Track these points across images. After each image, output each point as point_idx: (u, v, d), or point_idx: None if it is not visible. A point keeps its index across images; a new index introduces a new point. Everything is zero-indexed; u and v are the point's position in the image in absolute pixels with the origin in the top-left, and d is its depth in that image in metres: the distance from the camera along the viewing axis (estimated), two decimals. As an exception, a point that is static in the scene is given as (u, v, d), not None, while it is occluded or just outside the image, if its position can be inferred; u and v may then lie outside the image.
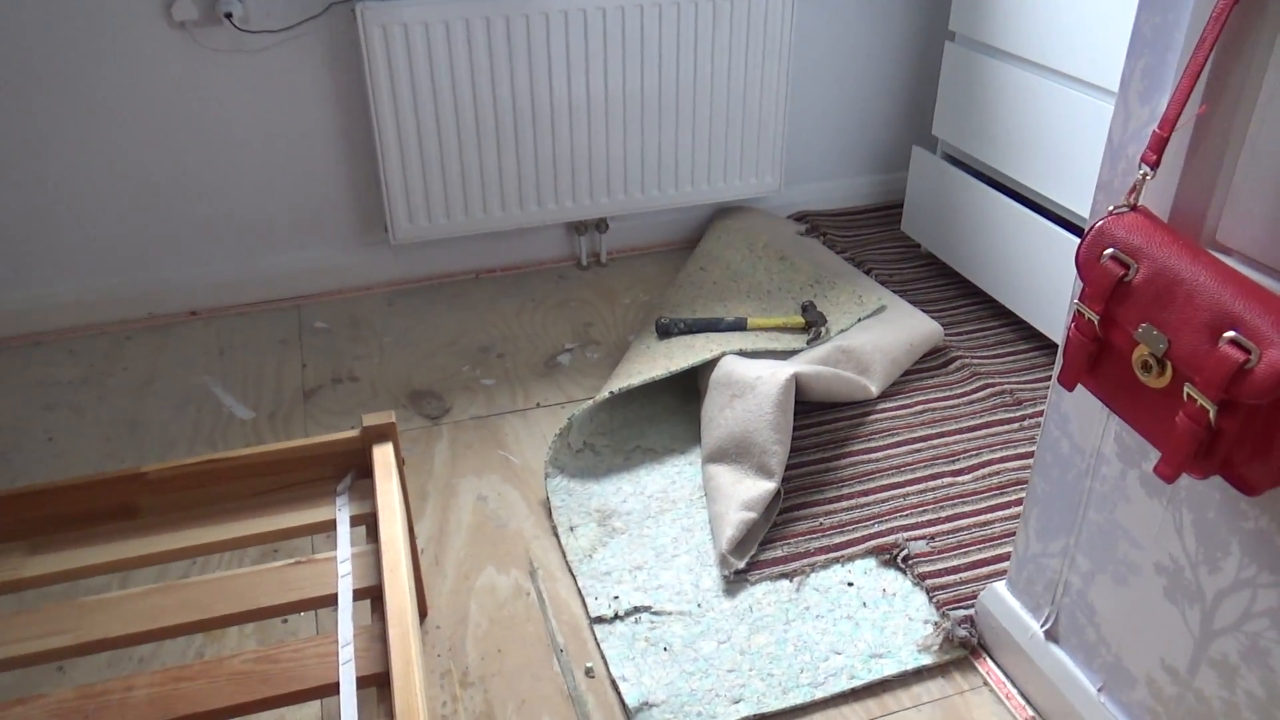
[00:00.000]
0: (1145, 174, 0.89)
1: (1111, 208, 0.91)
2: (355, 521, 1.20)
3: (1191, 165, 0.89)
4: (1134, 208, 0.91)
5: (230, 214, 2.12)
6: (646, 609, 1.40)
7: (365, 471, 1.27)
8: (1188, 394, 0.81)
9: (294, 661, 1.00)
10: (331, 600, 1.08)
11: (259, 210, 2.14)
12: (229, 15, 1.90)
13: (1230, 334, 0.77)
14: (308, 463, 1.25)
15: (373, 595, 1.09)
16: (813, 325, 1.91)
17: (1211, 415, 0.79)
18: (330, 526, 1.19)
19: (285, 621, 1.41)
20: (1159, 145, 0.87)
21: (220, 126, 2.03)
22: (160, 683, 0.97)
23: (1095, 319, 0.90)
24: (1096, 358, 0.93)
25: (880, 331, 1.91)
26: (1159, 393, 0.86)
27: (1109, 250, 0.88)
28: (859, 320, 1.96)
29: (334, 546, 1.16)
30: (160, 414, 1.84)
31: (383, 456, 1.23)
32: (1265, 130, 0.84)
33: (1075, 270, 0.92)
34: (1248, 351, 0.76)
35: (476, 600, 1.43)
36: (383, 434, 1.25)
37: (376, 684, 0.98)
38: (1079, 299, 0.91)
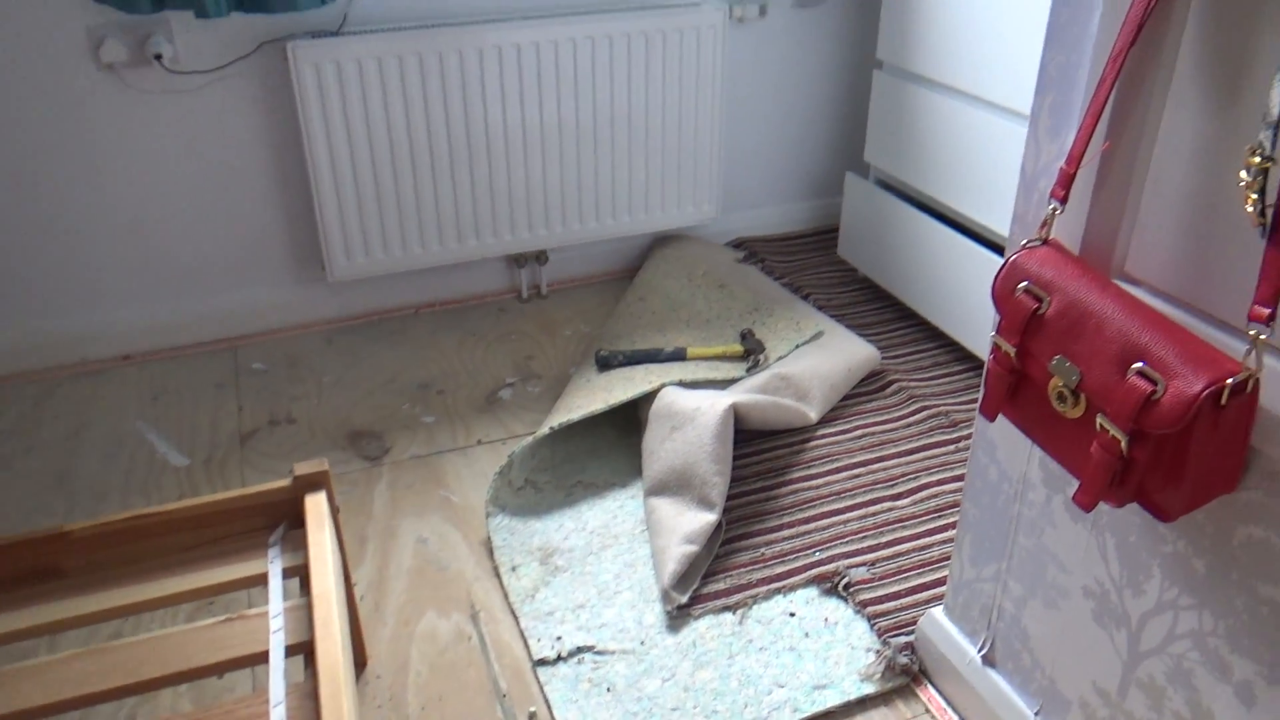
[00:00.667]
0: (1055, 209, 0.91)
1: (1025, 242, 0.93)
2: (289, 573, 1.18)
3: (1098, 200, 0.92)
4: (1046, 241, 0.93)
5: (163, 255, 2.08)
6: (589, 649, 1.39)
7: (299, 521, 1.25)
8: (1100, 424, 0.83)
9: (224, 724, 0.97)
10: (264, 658, 1.06)
11: (192, 251, 2.10)
12: (158, 56, 1.88)
13: (1138, 365, 0.80)
14: (238, 514, 1.22)
15: (306, 650, 1.07)
16: (751, 353, 1.93)
17: (1123, 445, 0.81)
18: (263, 580, 1.17)
19: (221, 678, 1.38)
20: (1066, 181, 0.90)
21: (151, 167, 2.00)
22: (83, 753, 0.94)
23: (1012, 351, 0.92)
24: (1015, 388, 0.95)
25: (818, 358, 1.93)
26: (1074, 423, 0.88)
27: (1023, 284, 0.91)
28: (797, 347, 1.98)
29: (268, 600, 1.13)
30: (91, 464, 1.80)
31: (315, 506, 1.21)
32: (1166, 165, 0.87)
33: (992, 303, 0.95)
34: (1154, 382, 0.78)
35: (417, 647, 1.41)
36: (315, 482, 1.23)
37: (310, 743, 0.96)
38: (996, 332, 0.93)
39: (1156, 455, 0.81)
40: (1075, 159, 0.89)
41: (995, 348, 0.94)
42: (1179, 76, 0.84)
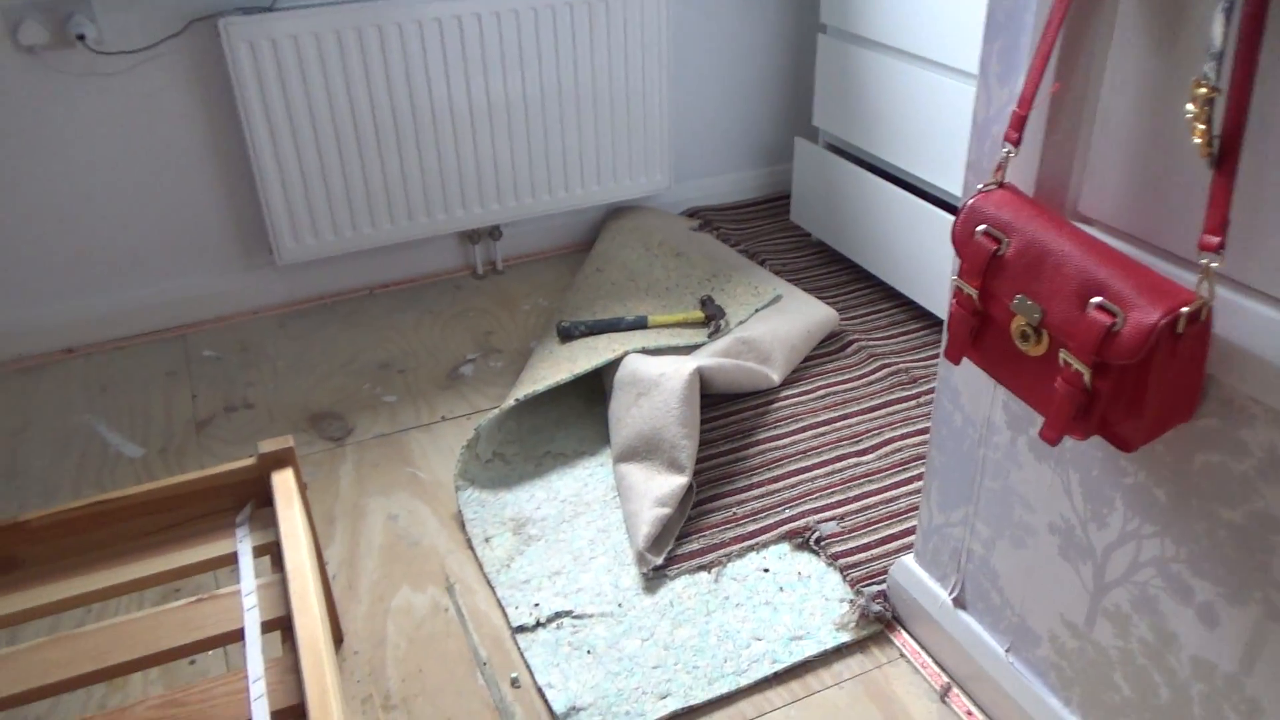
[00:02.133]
0: (1009, 152, 0.93)
1: (981, 186, 0.95)
2: (259, 552, 1.16)
3: (1050, 141, 0.94)
4: (1001, 185, 0.95)
5: (101, 245, 2.03)
6: (568, 614, 1.39)
7: (266, 500, 1.23)
8: (1063, 359, 0.85)
9: (203, 703, 0.96)
10: (238, 635, 1.04)
11: (131, 239, 2.05)
12: (81, 37, 1.81)
13: (1097, 299, 0.82)
14: (203, 496, 1.20)
15: (282, 626, 1.06)
16: (712, 319, 1.94)
17: (1086, 378, 0.83)
18: (231, 560, 1.15)
19: (193, 663, 1.36)
20: (1019, 124, 0.91)
21: (81, 154, 1.94)
22: (57, 741, 0.92)
23: (974, 293, 0.94)
24: (978, 331, 0.97)
25: (778, 321, 1.95)
26: (1038, 360, 0.90)
27: (981, 227, 0.92)
28: (756, 311, 1.99)
29: (237, 581, 1.12)
30: (39, 460, 1.75)
31: (283, 483, 1.19)
32: (1114, 105, 0.88)
33: (952, 248, 0.96)
34: (1114, 315, 0.80)
35: (394, 621, 1.40)
36: (281, 460, 1.21)
37: (293, 717, 0.95)
38: (957, 275, 0.95)
39: (1118, 387, 0.83)
40: (1026, 101, 0.91)
41: (957, 291, 0.96)
42: (1123, 15, 0.86)
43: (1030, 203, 0.91)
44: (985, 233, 0.92)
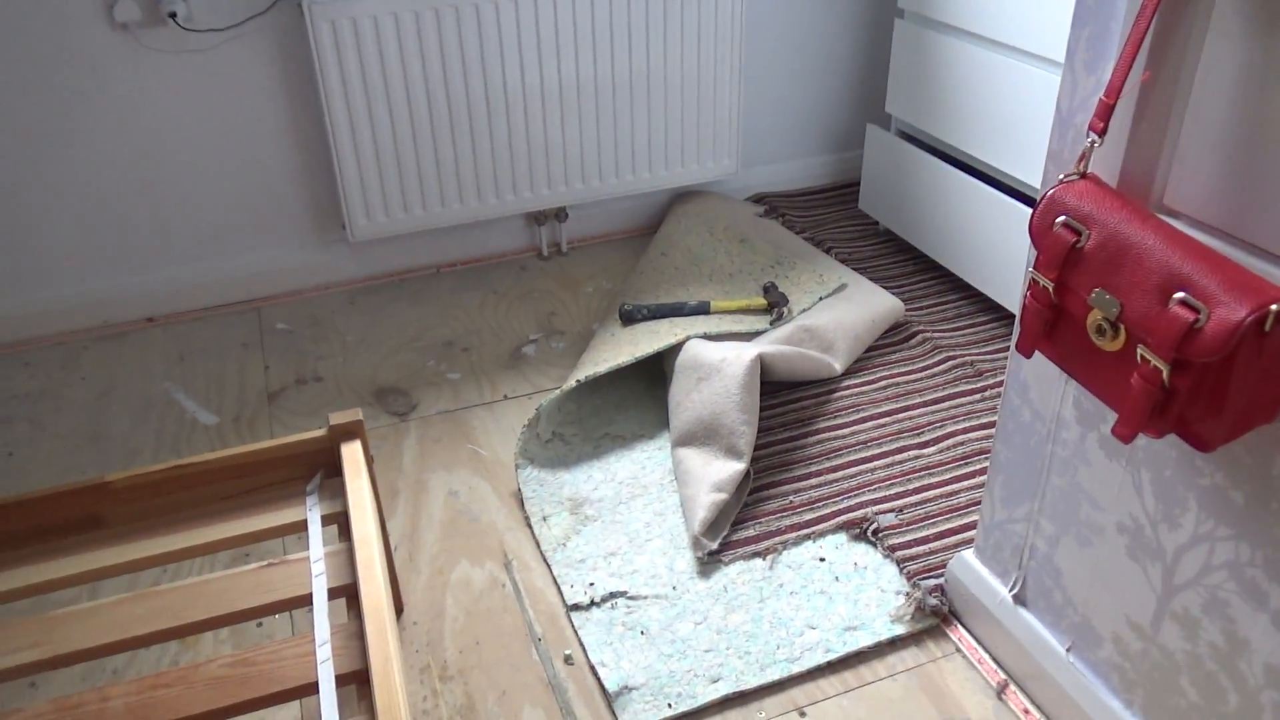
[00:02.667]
0: (1093, 141, 0.91)
1: (1062, 176, 0.93)
2: (326, 521, 1.19)
3: (1138, 132, 0.91)
4: (1084, 175, 0.92)
5: (183, 217, 2.09)
6: (622, 594, 1.40)
7: (334, 470, 1.26)
8: (1141, 355, 0.83)
9: (271, 663, 0.99)
10: (306, 600, 1.08)
11: (213, 212, 2.11)
12: (173, 15, 1.87)
13: (1180, 295, 0.79)
14: (275, 464, 1.24)
15: (348, 593, 1.09)
16: (775, 306, 1.93)
17: (1165, 375, 0.81)
18: (301, 527, 1.19)
19: (260, 625, 1.40)
20: (1105, 113, 0.89)
21: (169, 129, 2.00)
22: (136, 692, 0.96)
23: (1050, 286, 0.92)
24: (1053, 324, 0.95)
25: (842, 310, 1.93)
26: (1114, 355, 0.88)
27: (1061, 218, 0.90)
28: (820, 299, 1.98)
29: (306, 547, 1.15)
30: (121, 423, 1.82)
31: (351, 454, 1.22)
32: (1207, 95, 0.86)
33: (1029, 239, 0.94)
34: (1197, 311, 0.78)
35: (452, 594, 1.43)
36: (350, 432, 1.24)
37: (355, 682, 0.98)
38: (1034, 267, 0.93)
39: (1197, 385, 0.81)
40: (1115, 90, 0.88)
41: (1033, 283, 0.94)
42: (1220, 3, 0.83)
43: (1113, 194, 0.89)
44: (1065, 224, 0.90)
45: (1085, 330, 0.91)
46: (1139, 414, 0.84)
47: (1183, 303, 0.79)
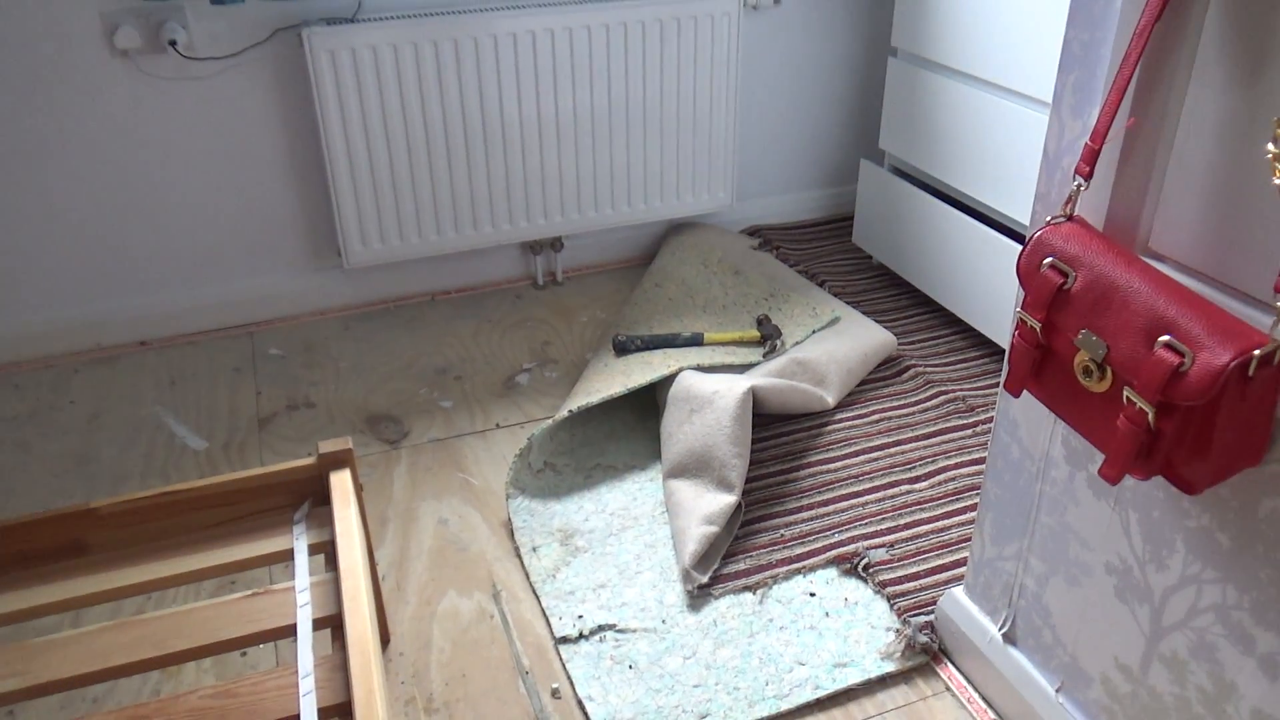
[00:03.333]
0: (1080, 185, 0.92)
1: (1049, 218, 0.94)
2: (314, 550, 1.19)
3: (1123, 176, 0.92)
4: (1070, 218, 0.93)
5: (179, 242, 2.10)
6: (611, 627, 1.40)
7: (323, 499, 1.26)
8: (1127, 397, 0.83)
9: (253, 695, 0.98)
10: (291, 631, 1.07)
11: (209, 237, 2.11)
12: (173, 42, 1.89)
13: (1165, 338, 0.80)
14: (263, 492, 1.23)
15: (333, 624, 1.08)
16: (768, 339, 1.93)
17: (1150, 417, 0.82)
18: (288, 556, 1.18)
19: (244, 655, 1.39)
20: (1091, 157, 0.90)
21: (167, 154, 2.01)
22: (115, 723, 0.95)
23: (1037, 326, 0.92)
24: (1040, 364, 0.96)
25: (835, 343, 1.93)
26: (1100, 397, 0.89)
27: (1048, 259, 0.91)
28: (813, 332, 1.99)
29: (292, 577, 1.14)
30: (110, 448, 1.81)
31: (340, 483, 1.22)
32: (1191, 140, 0.87)
33: (1017, 279, 0.95)
34: (1182, 355, 0.78)
35: (439, 625, 1.42)
36: (339, 460, 1.24)
37: (339, 715, 0.97)
38: (1021, 307, 0.94)
39: (1183, 428, 0.81)
40: (1100, 135, 0.89)
41: (1020, 323, 0.95)
42: (1203, 51, 0.84)
43: (1099, 237, 0.90)
44: (1052, 265, 0.91)
45: (1072, 371, 0.91)
46: (1125, 455, 0.85)
47: (1168, 346, 0.80)
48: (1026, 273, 0.93)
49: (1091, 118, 0.96)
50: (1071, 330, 0.89)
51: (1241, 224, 0.84)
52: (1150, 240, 0.93)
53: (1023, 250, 0.94)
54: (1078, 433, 0.94)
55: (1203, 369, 0.77)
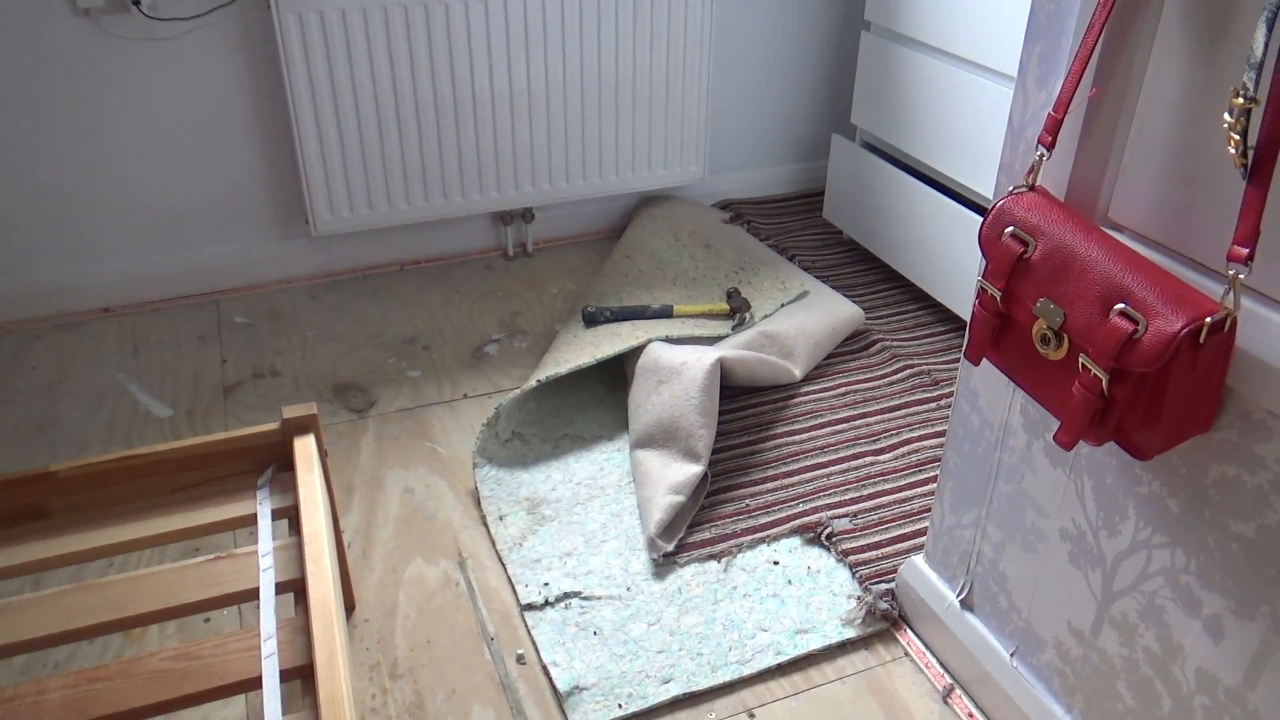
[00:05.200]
0: (1042, 155, 0.93)
1: (1012, 188, 0.95)
2: (277, 515, 1.18)
3: (1085, 146, 0.94)
4: (1032, 188, 0.94)
5: (143, 207, 2.06)
6: (576, 594, 1.40)
7: (287, 465, 1.25)
8: (1082, 364, 0.85)
9: (215, 657, 0.98)
10: (253, 595, 1.07)
11: (173, 203, 2.08)
12: (137, 2, 1.85)
13: (1120, 306, 0.81)
14: (227, 457, 1.22)
15: (296, 588, 1.08)
16: (737, 311, 1.94)
17: (1104, 384, 0.83)
18: (251, 521, 1.18)
19: (208, 621, 1.39)
20: (1054, 127, 0.91)
21: (130, 117, 1.97)
22: (75, 684, 0.95)
23: (998, 295, 0.94)
24: (1000, 333, 0.97)
25: (803, 316, 1.95)
26: (1057, 364, 0.90)
27: (1009, 228, 0.92)
28: (782, 306, 1.99)
29: (255, 541, 1.14)
30: (72, 414, 1.79)
31: (304, 448, 1.21)
32: (1151, 112, 0.88)
33: (979, 249, 0.96)
34: (1136, 322, 0.80)
35: (405, 592, 1.43)
36: (304, 426, 1.23)
37: (301, 676, 0.98)
38: (982, 275, 0.95)
39: (1135, 394, 0.83)
40: (1063, 105, 0.90)
41: (981, 292, 0.96)
42: (1165, 22, 0.85)
43: (1060, 207, 0.91)
44: (1013, 234, 0.92)
45: (1031, 339, 0.92)
46: (1079, 422, 0.86)
47: (1122, 314, 0.81)
48: (988, 241, 0.94)
49: (1055, 88, 0.97)
50: (1030, 299, 0.90)
51: (1197, 193, 0.85)
52: (1110, 210, 0.94)
53: (985, 219, 0.95)
54: (1035, 400, 0.95)
55: (1155, 336, 0.78)
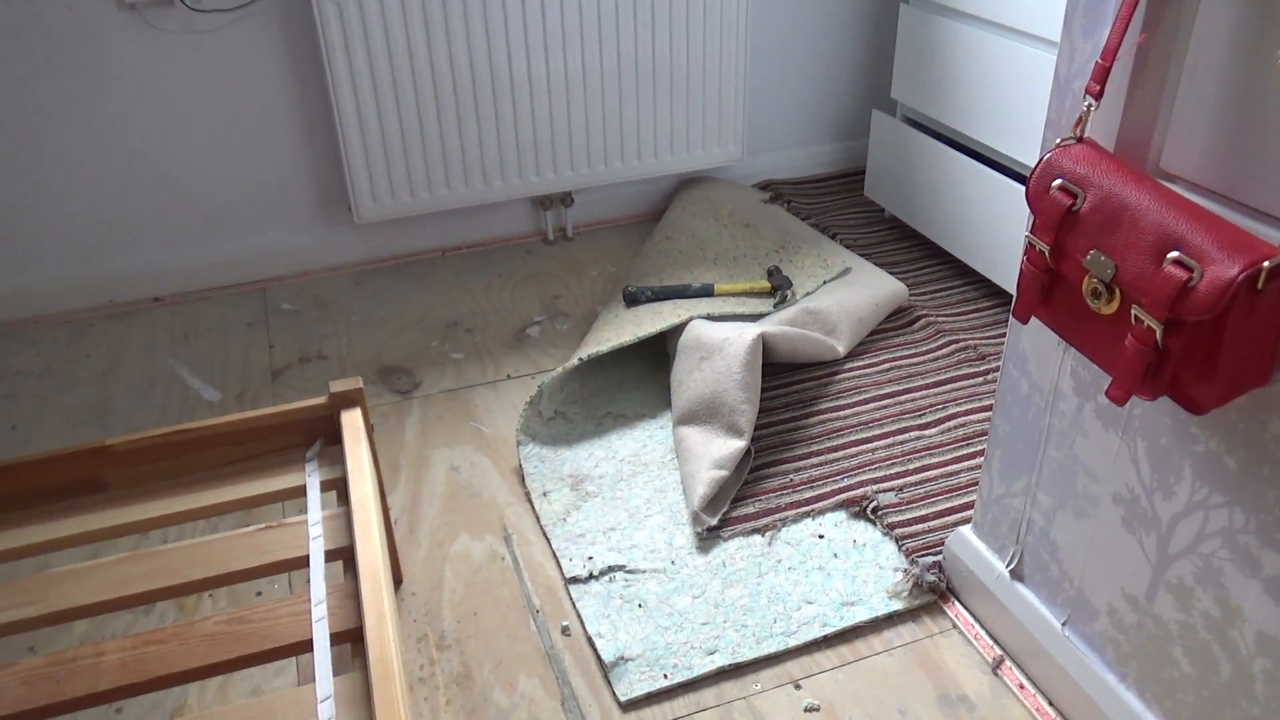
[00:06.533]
0: (1090, 105, 0.91)
1: (1059, 140, 0.93)
2: (325, 486, 1.20)
3: (1134, 95, 0.91)
4: (1080, 139, 0.92)
5: (190, 198, 2.10)
6: (621, 568, 1.41)
7: (334, 438, 1.27)
8: (1135, 315, 0.83)
9: (267, 621, 1.00)
10: (303, 562, 1.08)
11: (219, 193, 2.12)
12: (181, -6, 1.88)
13: (1174, 254, 0.79)
14: (276, 431, 1.24)
15: (345, 556, 1.09)
16: (779, 289, 1.93)
17: (1158, 335, 0.81)
18: (300, 493, 1.19)
19: (259, 594, 1.41)
20: (1102, 75, 0.89)
21: (176, 109, 2.01)
22: (132, 647, 0.97)
23: (1046, 250, 0.92)
24: (1049, 289, 0.95)
25: (846, 293, 1.93)
26: (1109, 318, 0.88)
27: (1057, 181, 0.90)
28: (824, 283, 1.98)
29: (304, 512, 1.16)
30: (125, 400, 1.83)
31: (351, 421, 1.23)
32: (1202, 58, 0.85)
33: (1027, 204, 0.94)
34: (1190, 270, 0.78)
35: (451, 566, 1.44)
36: (350, 400, 1.25)
37: (350, 640, 0.99)
38: (1030, 231, 0.93)
39: (1191, 345, 0.81)
40: (1111, 52, 0.88)
41: (1029, 247, 0.94)
42: (1219, -36, 0.83)
43: (1109, 157, 0.89)
44: (1061, 187, 0.90)
45: (1081, 294, 0.91)
46: (1132, 375, 0.84)
47: (1176, 261, 0.79)
48: (1035, 195, 0.92)
49: (1102, 38, 0.94)
50: (1080, 252, 0.88)
51: (1254, 140, 0.83)
52: (1162, 160, 0.92)
53: (1032, 173, 0.93)
54: (1085, 356, 0.93)
55: (1211, 282, 0.76)
